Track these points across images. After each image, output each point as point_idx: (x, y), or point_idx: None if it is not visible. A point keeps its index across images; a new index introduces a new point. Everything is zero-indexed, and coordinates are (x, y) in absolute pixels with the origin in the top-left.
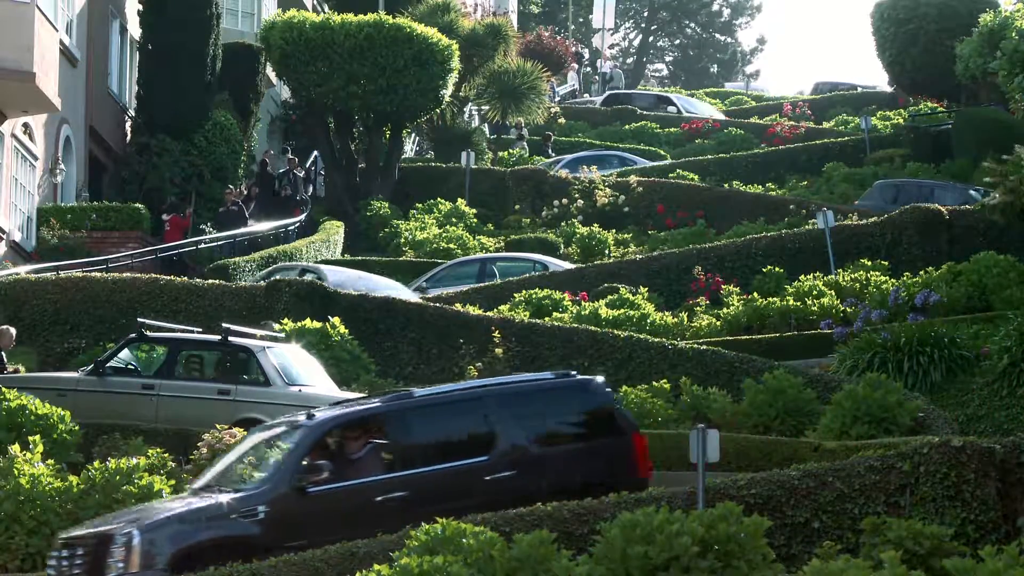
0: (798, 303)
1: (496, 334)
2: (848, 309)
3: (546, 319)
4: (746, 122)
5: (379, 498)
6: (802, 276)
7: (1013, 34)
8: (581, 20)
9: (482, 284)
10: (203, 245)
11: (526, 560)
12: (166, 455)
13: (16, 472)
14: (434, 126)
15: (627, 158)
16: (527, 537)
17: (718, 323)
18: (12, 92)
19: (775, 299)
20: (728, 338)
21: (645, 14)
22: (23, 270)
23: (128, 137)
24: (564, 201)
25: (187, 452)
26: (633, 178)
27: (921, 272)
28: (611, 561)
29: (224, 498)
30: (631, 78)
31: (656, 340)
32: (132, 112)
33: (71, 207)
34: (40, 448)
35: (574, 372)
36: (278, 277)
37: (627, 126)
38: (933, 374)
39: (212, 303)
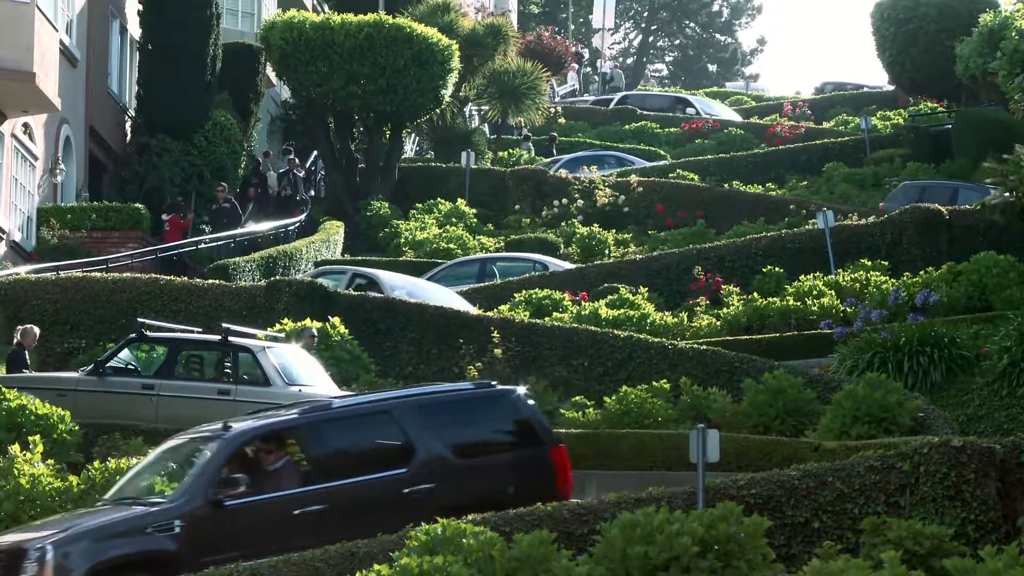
0: (798, 303)
1: (496, 334)
2: (848, 309)
3: (546, 319)
4: (746, 122)
5: (297, 511)
6: (802, 276)
7: (1013, 34)
8: (581, 20)
9: (482, 284)
10: (203, 245)
11: (526, 560)
12: None
13: (16, 472)
14: (434, 126)
15: (625, 158)
16: (527, 537)
17: (718, 323)
18: (12, 92)
19: (775, 299)
20: (728, 338)
21: (645, 14)
22: (23, 270)
23: (128, 137)
24: (564, 201)
25: None
26: (633, 178)
27: (921, 272)
28: (611, 561)
29: (140, 511)
30: (631, 78)
31: (656, 340)
32: (132, 112)
33: (71, 207)
34: (40, 448)
35: (495, 383)
36: (322, 281)
37: (627, 126)
38: (933, 374)
39: (212, 303)
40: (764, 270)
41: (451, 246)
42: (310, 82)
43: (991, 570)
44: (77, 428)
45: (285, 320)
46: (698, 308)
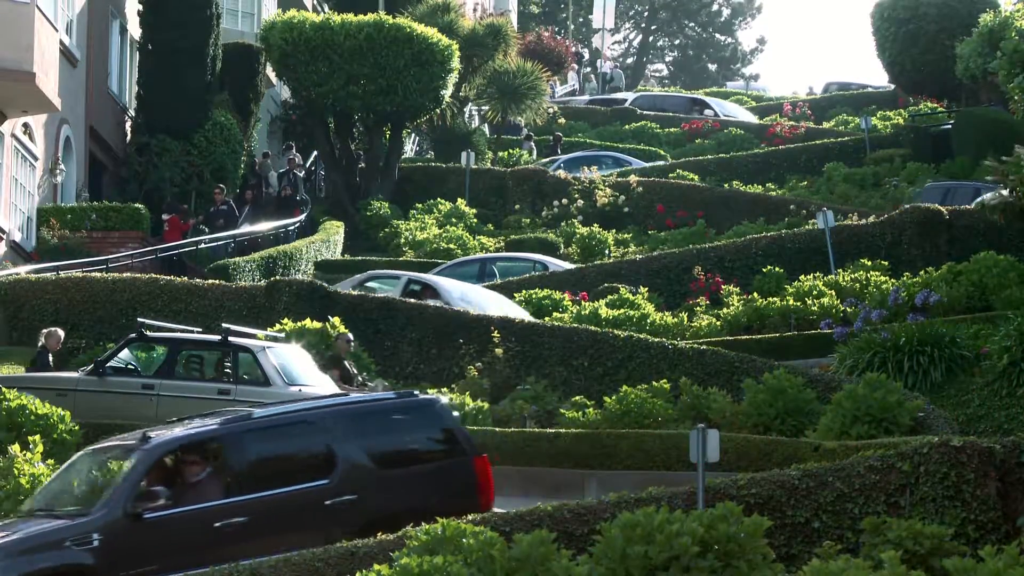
0: (798, 303)
1: (496, 334)
2: (848, 309)
3: (546, 319)
4: (746, 122)
5: (218, 524)
6: (802, 276)
7: (1013, 34)
8: (581, 20)
9: (482, 284)
10: (203, 245)
11: (526, 560)
12: None
13: (16, 472)
14: (434, 126)
15: (622, 158)
16: (527, 537)
17: (718, 323)
18: (12, 92)
19: (775, 299)
20: (728, 338)
21: (645, 14)
22: (23, 270)
23: (128, 137)
24: (564, 201)
25: None
26: (633, 178)
27: (921, 272)
28: (611, 561)
29: (58, 524)
30: (631, 78)
31: (656, 340)
32: (132, 112)
33: (71, 207)
34: (40, 448)
35: (417, 392)
36: (372, 284)
37: (627, 126)
38: (933, 374)
39: (212, 303)
40: (764, 270)
41: (451, 246)
42: (310, 82)
43: (991, 570)
44: (77, 428)
45: (285, 320)
46: (698, 308)
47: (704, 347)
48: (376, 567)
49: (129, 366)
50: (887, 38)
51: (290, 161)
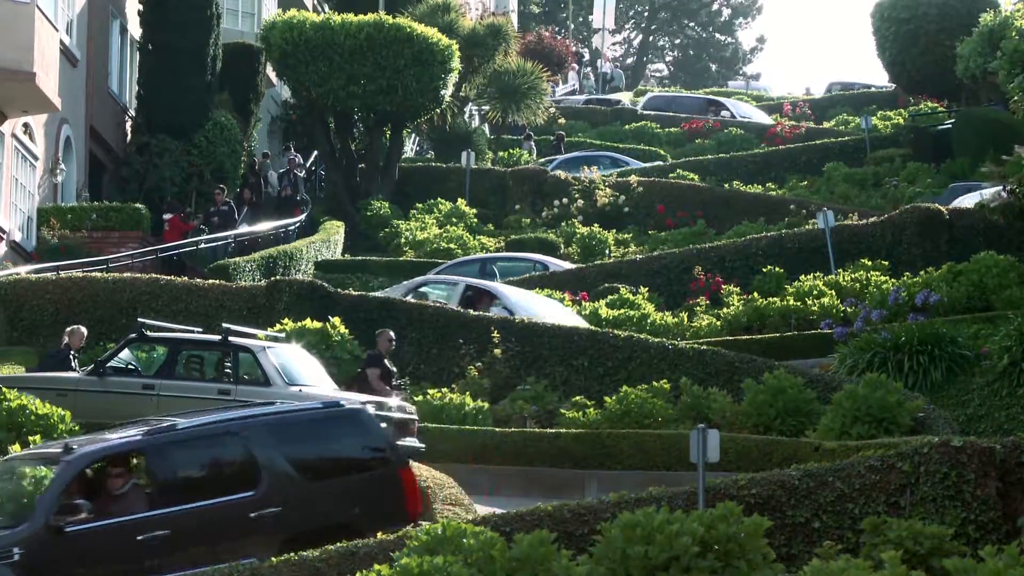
0: (798, 303)
1: (496, 334)
2: (848, 309)
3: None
4: (747, 122)
5: (141, 537)
6: (802, 276)
7: (1013, 34)
8: (581, 20)
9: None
10: (203, 245)
11: (526, 560)
12: None
13: None
14: (434, 126)
15: (619, 158)
16: (527, 537)
17: (718, 323)
18: (12, 92)
19: (775, 299)
20: (728, 338)
21: (645, 14)
22: (23, 270)
23: (128, 137)
24: (564, 201)
25: None
26: (633, 178)
27: (921, 272)
28: (611, 561)
29: None
30: (631, 78)
31: (656, 340)
32: (132, 112)
33: (71, 207)
34: None
35: (343, 402)
36: (426, 290)
37: (627, 126)
38: (933, 374)
39: (212, 303)
40: (764, 270)
41: (451, 246)
42: (310, 82)
43: (991, 570)
44: (77, 428)
45: (285, 320)
46: (698, 308)
47: (704, 347)
48: (376, 567)
49: (129, 366)
50: (887, 38)
51: (290, 161)
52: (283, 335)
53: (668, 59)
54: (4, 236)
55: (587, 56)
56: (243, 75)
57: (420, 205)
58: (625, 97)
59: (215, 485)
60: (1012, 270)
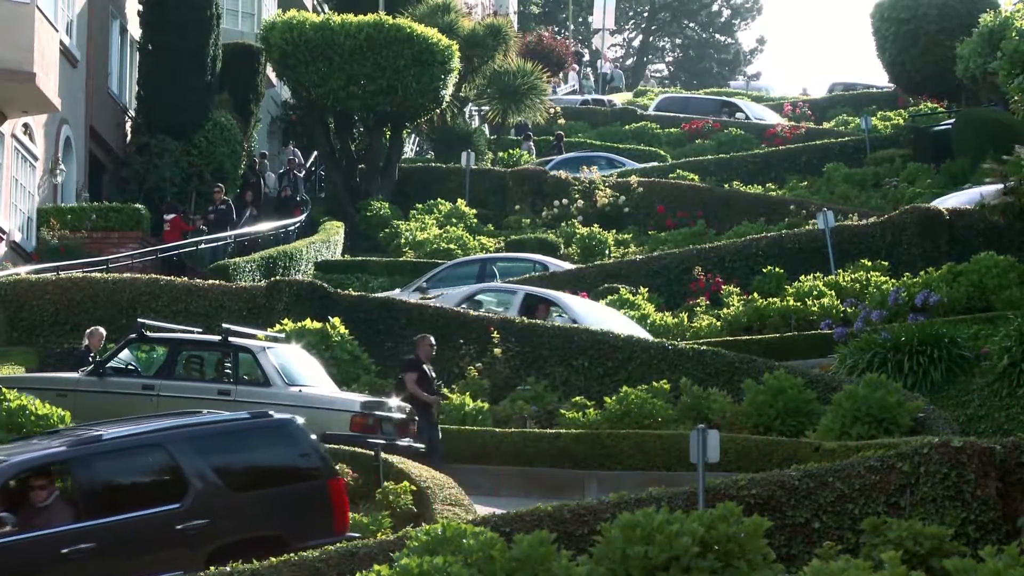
0: (798, 303)
1: (496, 334)
2: (848, 309)
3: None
4: (747, 122)
5: (66, 550)
6: (802, 276)
7: (1013, 34)
8: (581, 20)
9: (482, 284)
10: (203, 246)
11: (526, 560)
12: None
13: None
14: (434, 126)
15: (615, 159)
16: (527, 537)
17: (718, 323)
18: (12, 92)
19: (775, 299)
20: (728, 338)
21: (645, 15)
22: (23, 270)
23: (128, 137)
24: (564, 201)
25: None
26: (633, 178)
27: (921, 272)
28: (611, 561)
29: None
30: (631, 78)
31: (656, 340)
32: (132, 112)
33: (71, 207)
34: None
35: (271, 412)
36: (482, 298)
37: (627, 126)
38: (933, 374)
39: (212, 303)
40: (764, 270)
41: (451, 246)
42: (310, 82)
43: (991, 570)
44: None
45: (285, 320)
46: (698, 308)
47: (704, 347)
48: (376, 567)
49: (129, 366)
50: (887, 38)
51: (290, 161)
52: (283, 335)
53: (668, 60)
54: (4, 236)
55: (587, 56)
56: (243, 75)
57: (420, 205)
58: (624, 97)
59: (141, 497)
60: (1012, 270)
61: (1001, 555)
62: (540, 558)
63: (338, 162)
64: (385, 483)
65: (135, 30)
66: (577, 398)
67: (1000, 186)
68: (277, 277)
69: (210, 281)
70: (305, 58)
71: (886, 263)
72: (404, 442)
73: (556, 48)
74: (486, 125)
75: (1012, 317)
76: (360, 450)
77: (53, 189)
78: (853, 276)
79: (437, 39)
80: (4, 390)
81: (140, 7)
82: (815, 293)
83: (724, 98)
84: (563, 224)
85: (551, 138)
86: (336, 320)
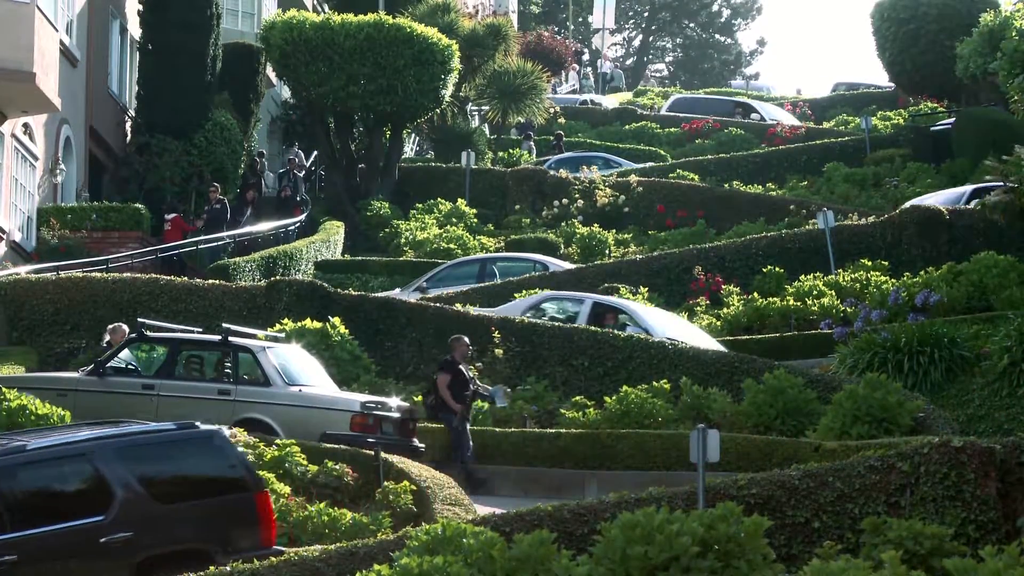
0: (798, 303)
1: (496, 334)
2: (848, 309)
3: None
4: (747, 122)
5: None
6: (802, 276)
7: (1013, 34)
8: (581, 20)
9: (482, 284)
10: (203, 246)
11: (526, 560)
12: None
13: None
14: (434, 126)
15: (612, 159)
16: (527, 537)
17: (718, 323)
18: (12, 92)
19: (775, 299)
20: (728, 338)
21: (645, 14)
22: (23, 270)
23: (128, 137)
24: (564, 201)
25: None
26: (633, 178)
27: (921, 272)
28: (611, 561)
29: None
30: (631, 78)
31: (656, 340)
32: (132, 112)
33: (71, 207)
34: None
35: (198, 423)
36: (548, 307)
37: (627, 126)
38: (933, 374)
39: (212, 303)
40: (764, 270)
41: (451, 246)
42: (310, 82)
43: (991, 570)
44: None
45: (285, 320)
46: (698, 308)
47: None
48: (376, 567)
49: (129, 366)
50: (887, 38)
51: (290, 161)
52: (283, 335)
53: (668, 60)
54: (4, 236)
55: (587, 55)
56: (243, 75)
57: (420, 205)
58: (623, 97)
59: (65, 509)
60: (1012, 270)
61: (1001, 555)
62: (540, 558)
63: (338, 162)
64: (385, 483)
65: (135, 30)
66: (577, 398)
67: (971, 188)
68: (277, 277)
69: (210, 281)
70: (305, 58)
71: (886, 263)
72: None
73: (556, 48)
74: (486, 125)
75: (1012, 317)
76: (360, 450)
77: (53, 189)
78: (853, 276)
79: (437, 39)
80: (4, 390)
81: (140, 7)
82: (815, 293)
83: (738, 99)
84: (563, 224)
85: (551, 138)
86: (336, 320)
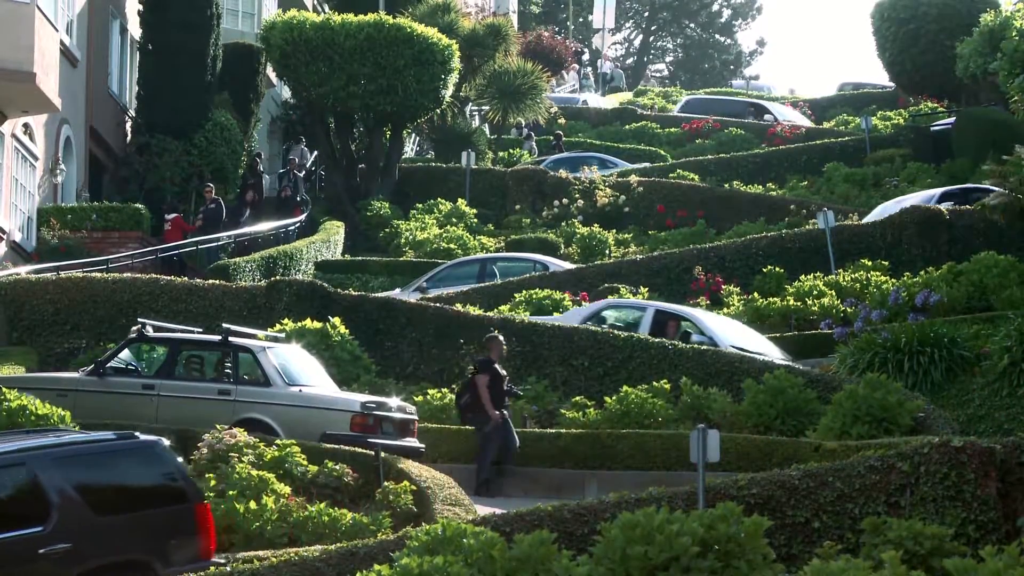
0: (798, 303)
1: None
2: (848, 309)
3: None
4: (747, 122)
5: None
6: (802, 276)
7: (1013, 34)
8: (581, 20)
9: (482, 284)
10: (203, 246)
11: (526, 560)
12: None
13: None
14: (434, 126)
15: (607, 159)
16: (527, 537)
17: None
18: (12, 92)
19: (775, 299)
20: None
21: (645, 14)
22: (23, 270)
23: (128, 137)
24: (564, 201)
25: (187, 453)
26: (633, 178)
27: (921, 272)
28: (611, 561)
29: None
30: (632, 78)
31: (656, 340)
32: (132, 112)
33: (71, 207)
34: None
35: (137, 433)
36: (608, 314)
37: (627, 126)
38: (933, 374)
39: (212, 303)
40: (764, 270)
41: (451, 246)
42: (310, 82)
43: (991, 570)
44: (77, 428)
45: (285, 320)
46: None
47: (704, 347)
48: (376, 567)
49: (129, 366)
50: (887, 38)
51: (291, 161)
52: (283, 335)
53: (668, 60)
54: (4, 236)
55: (587, 55)
56: (243, 75)
57: (420, 205)
58: (622, 98)
59: (2, 519)
60: (1012, 270)
61: (1001, 555)
62: (540, 558)
63: (338, 162)
64: (385, 483)
65: (135, 30)
66: (577, 398)
67: (940, 192)
68: (277, 277)
69: (210, 281)
70: (305, 58)
71: (886, 263)
72: (405, 442)
73: (556, 48)
74: (486, 125)
75: (1012, 317)
76: (360, 450)
77: (53, 189)
78: (853, 276)
79: (437, 39)
80: (4, 390)
81: (140, 7)
82: (815, 293)
83: (751, 100)
84: (563, 224)
85: (551, 138)
86: (336, 320)
